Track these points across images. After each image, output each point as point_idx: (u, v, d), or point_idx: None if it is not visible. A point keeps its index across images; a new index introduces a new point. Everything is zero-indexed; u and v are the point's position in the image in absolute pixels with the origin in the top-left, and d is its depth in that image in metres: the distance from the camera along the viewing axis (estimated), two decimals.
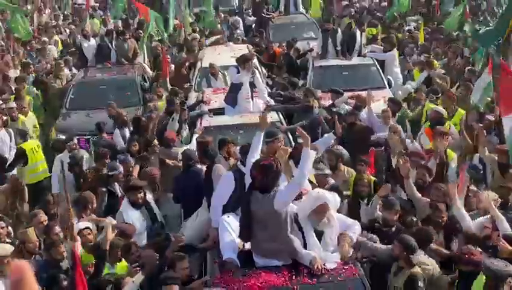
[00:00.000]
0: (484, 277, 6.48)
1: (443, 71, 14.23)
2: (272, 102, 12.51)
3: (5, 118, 12.13)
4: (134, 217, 8.32)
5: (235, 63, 12.50)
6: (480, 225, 7.80)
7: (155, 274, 6.98)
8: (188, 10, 22.11)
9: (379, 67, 14.69)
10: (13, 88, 14.48)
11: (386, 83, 14.24)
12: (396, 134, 10.24)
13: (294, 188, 6.64)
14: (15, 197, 9.96)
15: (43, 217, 8.15)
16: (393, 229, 7.56)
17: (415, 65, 15.11)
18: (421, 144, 10.40)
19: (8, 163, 11.12)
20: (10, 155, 11.35)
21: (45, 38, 19.70)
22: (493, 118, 10.74)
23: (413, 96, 13.38)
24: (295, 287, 6.46)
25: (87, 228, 8.01)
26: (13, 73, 16.03)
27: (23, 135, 11.65)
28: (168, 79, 14.82)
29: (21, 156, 11.08)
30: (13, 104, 12.81)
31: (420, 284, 6.67)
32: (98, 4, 25.95)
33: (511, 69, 9.66)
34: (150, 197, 8.79)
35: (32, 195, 10.59)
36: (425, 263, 6.98)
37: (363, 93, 12.30)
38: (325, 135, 9.87)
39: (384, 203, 7.87)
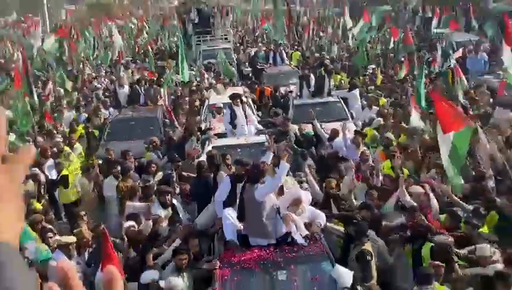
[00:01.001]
0: (430, 245, 6.88)
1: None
2: (261, 127, 12.68)
3: (55, 149, 12.06)
4: (162, 214, 8.52)
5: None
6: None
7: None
8: (199, 62, 22.54)
9: (343, 104, 14.67)
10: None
11: (349, 116, 14.20)
12: (366, 155, 10.33)
13: (270, 185, 6.98)
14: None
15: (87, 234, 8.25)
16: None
17: (367, 102, 15.08)
18: (374, 165, 10.06)
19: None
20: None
21: (98, 85, 19.84)
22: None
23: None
24: (279, 259, 6.71)
25: (133, 226, 8.24)
26: (68, 113, 16.35)
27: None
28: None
29: (64, 180, 10.97)
30: (59, 139, 12.74)
31: (368, 257, 6.83)
32: (130, 58, 26.44)
33: (440, 97, 9.45)
34: (175, 201, 8.95)
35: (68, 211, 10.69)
36: (376, 240, 7.29)
37: (335, 125, 12.25)
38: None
39: (365, 206, 8.16)
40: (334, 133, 11.70)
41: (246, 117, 12.30)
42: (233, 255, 6.90)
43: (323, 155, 11.18)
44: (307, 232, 6.99)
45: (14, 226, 0.94)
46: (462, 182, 8.59)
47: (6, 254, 0.88)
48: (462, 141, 8.50)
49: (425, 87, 12.99)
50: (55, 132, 13.77)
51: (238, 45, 29.28)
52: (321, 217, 7.34)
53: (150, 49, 26.30)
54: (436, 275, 6.39)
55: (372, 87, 17.32)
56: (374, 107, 14.25)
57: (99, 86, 19.96)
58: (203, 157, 10.23)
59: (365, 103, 15.32)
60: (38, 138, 13.15)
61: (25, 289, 0.88)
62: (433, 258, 6.70)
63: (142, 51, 28.02)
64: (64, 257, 7.28)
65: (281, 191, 7.40)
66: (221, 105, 13.84)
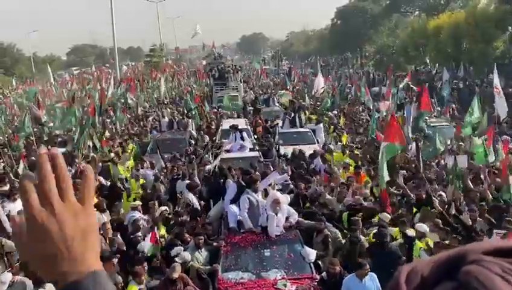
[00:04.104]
0: (347, 213, 7.38)
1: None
2: (251, 146, 12.32)
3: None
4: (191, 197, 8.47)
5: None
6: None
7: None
8: (215, 104, 22.40)
9: (312, 133, 14.18)
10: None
11: (315, 141, 13.70)
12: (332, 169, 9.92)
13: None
14: None
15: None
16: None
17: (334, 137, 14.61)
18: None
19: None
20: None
21: (150, 118, 19.25)
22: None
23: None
24: (265, 241, 6.63)
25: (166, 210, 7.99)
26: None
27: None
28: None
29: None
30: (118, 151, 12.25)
31: (329, 240, 6.84)
32: (169, 100, 25.93)
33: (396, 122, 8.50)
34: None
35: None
36: (332, 231, 7.13)
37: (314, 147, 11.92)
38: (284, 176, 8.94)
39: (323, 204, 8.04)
40: (314, 153, 11.38)
41: (243, 139, 12.05)
42: (234, 237, 6.76)
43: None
44: (282, 228, 6.79)
45: (98, 257, 0.73)
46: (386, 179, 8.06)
47: (104, 279, 0.70)
48: (388, 152, 7.98)
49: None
50: (112, 150, 13.12)
51: (248, 90, 28.80)
52: (294, 214, 7.08)
53: (184, 94, 26.05)
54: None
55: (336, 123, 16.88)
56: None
57: (150, 118, 19.49)
58: (215, 163, 9.89)
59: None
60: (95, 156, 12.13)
61: None
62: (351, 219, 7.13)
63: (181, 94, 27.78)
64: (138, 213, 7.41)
65: (266, 194, 7.25)
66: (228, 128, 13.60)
